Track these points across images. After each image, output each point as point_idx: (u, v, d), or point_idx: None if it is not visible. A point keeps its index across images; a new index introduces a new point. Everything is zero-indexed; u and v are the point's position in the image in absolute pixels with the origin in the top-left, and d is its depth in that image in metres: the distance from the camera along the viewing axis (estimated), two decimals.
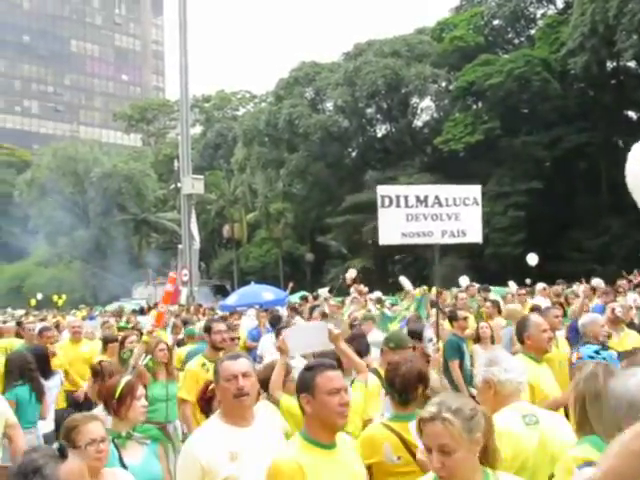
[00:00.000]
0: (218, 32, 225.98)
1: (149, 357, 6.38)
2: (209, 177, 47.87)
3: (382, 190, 7.58)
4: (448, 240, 7.59)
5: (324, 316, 9.35)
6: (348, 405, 3.12)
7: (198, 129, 65.09)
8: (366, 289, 18.54)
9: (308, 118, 44.81)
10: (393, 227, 7.43)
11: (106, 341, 8.58)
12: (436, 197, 7.49)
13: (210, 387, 4.16)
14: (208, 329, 6.37)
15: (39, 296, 46.86)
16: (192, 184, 29.49)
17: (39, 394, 6.71)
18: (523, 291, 12.80)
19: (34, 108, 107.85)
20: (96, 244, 56.28)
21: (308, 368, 3.25)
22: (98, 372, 5.53)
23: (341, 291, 19.56)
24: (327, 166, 46.22)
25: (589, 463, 2.58)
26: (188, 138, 31.06)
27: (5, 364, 6.77)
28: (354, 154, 49.59)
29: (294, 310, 12.85)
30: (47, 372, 7.17)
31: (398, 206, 7.40)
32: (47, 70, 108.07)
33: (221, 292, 38.72)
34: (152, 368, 6.53)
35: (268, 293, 19.71)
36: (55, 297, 44.28)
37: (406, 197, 7.44)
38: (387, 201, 7.43)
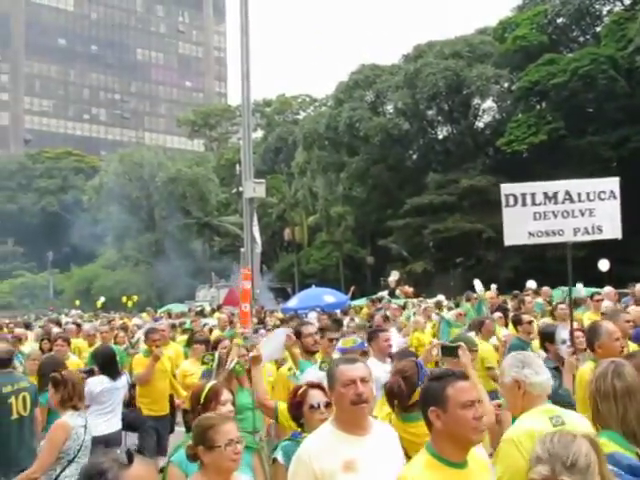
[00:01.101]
0: (279, 37, 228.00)
1: (236, 361, 6.06)
2: (270, 181, 48.20)
3: (506, 189, 7.17)
4: (582, 238, 7.16)
5: (386, 320, 9.36)
6: (482, 419, 2.88)
7: (259, 133, 65.80)
8: (411, 289, 18.47)
9: (368, 121, 44.77)
10: (519, 227, 6.97)
11: (195, 342, 8.81)
12: (567, 193, 7.00)
13: (300, 392, 3.98)
14: (299, 333, 6.23)
15: (102, 299, 48.13)
16: (254, 188, 29.60)
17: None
18: (600, 296, 12.07)
19: (102, 116, 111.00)
20: (161, 247, 57.45)
21: (435, 378, 2.98)
22: (59, 382, 5.43)
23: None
24: (388, 169, 46.07)
25: (611, 455, 2.71)
26: (250, 142, 31.12)
27: (38, 369, 6.88)
28: (415, 156, 49.28)
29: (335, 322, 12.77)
30: (114, 373, 7.35)
31: (524, 205, 6.92)
32: (114, 79, 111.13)
33: (282, 295, 39.03)
34: (240, 373, 6.12)
35: (329, 296, 19.77)
36: (125, 299, 45.22)
37: (533, 195, 6.99)
38: (512, 200, 6.96)
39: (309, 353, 6.11)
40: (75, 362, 8.93)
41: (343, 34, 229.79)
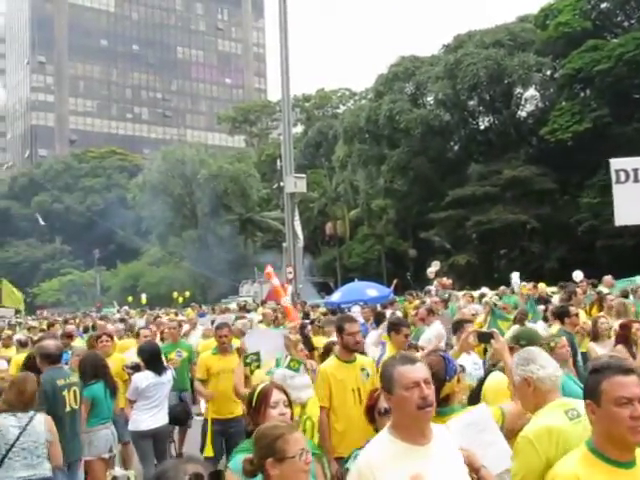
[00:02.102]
0: (317, 31, 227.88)
1: (289, 359, 5.44)
2: (311, 175, 48.36)
3: (616, 164, 6.32)
4: None
5: (430, 312, 9.30)
6: None
7: (299, 128, 65.92)
8: (449, 282, 18.28)
9: (409, 113, 44.48)
10: (632, 205, 6.14)
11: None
12: None
13: (377, 393, 3.71)
14: (341, 329, 5.74)
15: (143, 296, 48.86)
16: (295, 183, 29.81)
17: (113, 391, 7.12)
18: None
19: (144, 114, 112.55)
20: (204, 243, 58.03)
21: (595, 370, 2.81)
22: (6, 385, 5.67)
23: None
24: (429, 161, 45.74)
25: None
26: (290, 138, 31.41)
27: (79, 365, 7.11)
28: (456, 148, 48.82)
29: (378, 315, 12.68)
30: (159, 368, 7.47)
31: (636, 181, 6.26)
32: (155, 77, 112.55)
33: (325, 289, 39.10)
34: (296, 370, 5.48)
35: (372, 290, 19.76)
36: (175, 294, 45.74)
37: None
38: (623, 176, 6.19)
39: (349, 352, 5.69)
40: (120, 358, 9.09)
41: (382, 27, 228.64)
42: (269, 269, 7.73)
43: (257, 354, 6.03)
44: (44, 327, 16.79)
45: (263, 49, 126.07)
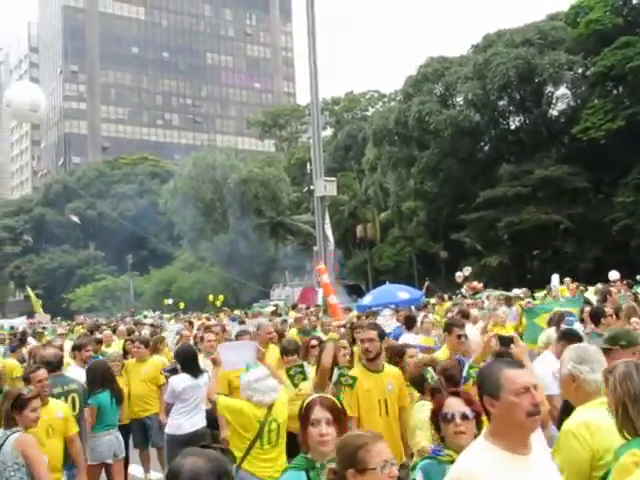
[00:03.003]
0: (345, 34, 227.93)
1: (340, 372, 5.15)
2: (341, 178, 48.36)
3: None
4: None
5: (464, 316, 9.24)
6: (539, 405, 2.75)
7: (329, 131, 66.01)
8: (480, 285, 18.10)
9: (438, 114, 44.26)
10: None
11: (285, 352, 8.38)
12: None
13: (441, 398, 3.60)
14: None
15: (170, 301, 49.33)
16: (325, 186, 29.82)
17: (119, 399, 7.31)
18: None
19: (175, 120, 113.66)
20: (235, 248, 58.31)
21: (488, 367, 2.94)
22: None
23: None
24: (459, 162, 45.46)
25: None
26: (319, 141, 31.43)
27: (87, 373, 7.36)
28: (487, 148, 48.44)
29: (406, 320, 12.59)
30: (195, 371, 7.58)
31: None
32: (185, 83, 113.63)
33: (356, 292, 39.06)
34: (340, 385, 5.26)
35: (403, 292, 19.61)
36: (211, 297, 46.05)
37: None
38: None
39: (371, 361, 5.65)
40: (159, 361, 9.21)
41: (410, 28, 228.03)
42: (321, 265, 7.47)
43: (301, 366, 5.77)
44: (83, 332, 16.96)
45: (291, 53, 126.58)
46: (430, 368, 4.92)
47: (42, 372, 6.15)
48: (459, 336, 6.17)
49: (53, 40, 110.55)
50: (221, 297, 46.04)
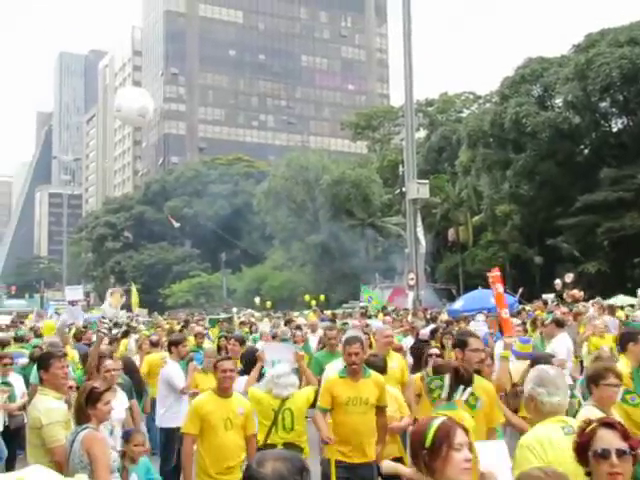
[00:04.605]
0: (441, 34, 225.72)
1: (469, 391, 4.53)
2: (433, 181, 47.90)
3: None
4: None
5: (558, 324, 9.00)
6: None
7: (422, 133, 65.43)
8: (580, 294, 17.45)
9: (535, 116, 43.17)
10: None
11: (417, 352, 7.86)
12: None
13: (590, 429, 3.10)
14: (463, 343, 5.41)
15: (257, 300, 50.06)
16: (417, 188, 29.69)
17: (139, 393, 7.59)
18: None
19: (269, 122, 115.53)
20: (326, 248, 58.67)
21: None
22: None
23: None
24: (557, 165, 44.17)
25: None
26: (413, 143, 31.29)
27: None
28: (586, 151, 46.84)
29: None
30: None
31: None
32: (280, 85, 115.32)
33: (447, 296, 38.59)
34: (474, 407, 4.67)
35: None
36: (307, 297, 46.55)
37: None
38: None
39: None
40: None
41: (508, 28, 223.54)
42: (496, 272, 6.80)
43: (441, 378, 4.83)
44: (175, 327, 17.47)
45: (386, 54, 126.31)
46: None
47: (110, 363, 6.40)
48: None
49: (155, 44, 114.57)
50: (322, 297, 46.41)
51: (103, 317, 6.50)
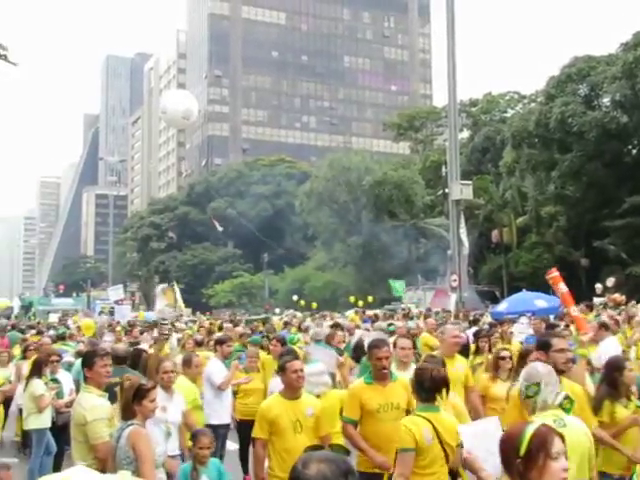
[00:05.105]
0: (485, 33, 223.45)
1: (563, 394, 4.09)
2: (477, 182, 47.45)
3: None
4: None
5: (604, 327, 8.84)
6: None
7: (465, 134, 64.83)
8: (622, 298, 17.08)
9: (582, 116, 42.46)
10: None
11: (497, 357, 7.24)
12: None
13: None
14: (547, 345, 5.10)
15: (297, 299, 50.17)
16: (460, 189, 29.48)
17: None
18: None
19: (312, 123, 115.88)
20: (368, 250, 58.58)
21: None
22: None
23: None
24: (604, 166, 43.36)
25: None
26: (456, 144, 31.06)
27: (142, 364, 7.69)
28: (635, 152, 45.87)
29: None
30: None
31: None
32: (323, 86, 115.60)
33: (490, 298, 38.19)
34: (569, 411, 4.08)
35: (541, 301, 19.00)
36: (353, 299, 46.60)
37: None
38: None
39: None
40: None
41: (553, 27, 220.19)
42: (555, 273, 6.52)
43: (538, 384, 4.16)
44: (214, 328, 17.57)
45: (429, 55, 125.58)
46: None
47: (168, 364, 6.47)
48: None
49: (199, 46, 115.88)
50: (370, 298, 46.40)
51: (163, 319, 6.45)
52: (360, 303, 44.02)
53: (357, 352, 9.64)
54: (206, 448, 5.65)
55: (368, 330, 13.95)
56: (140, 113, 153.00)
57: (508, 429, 3.20)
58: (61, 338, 13.47)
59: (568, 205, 46.90)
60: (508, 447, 2.80)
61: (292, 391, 5.49)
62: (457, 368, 6.83)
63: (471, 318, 16.66)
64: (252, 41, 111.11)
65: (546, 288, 33.56)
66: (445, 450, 4.48)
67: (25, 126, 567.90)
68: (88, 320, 22.67)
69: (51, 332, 16.08)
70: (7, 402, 10.88)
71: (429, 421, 4.47)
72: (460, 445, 4.57)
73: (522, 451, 2.72)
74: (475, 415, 6.37)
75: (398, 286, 41.60)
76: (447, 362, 6.18)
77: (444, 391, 4.64)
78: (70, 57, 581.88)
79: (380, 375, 5.62)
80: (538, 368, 4.13)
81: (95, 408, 5.21)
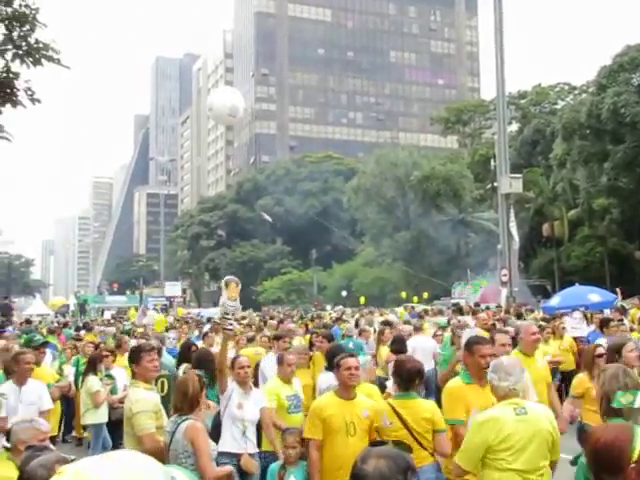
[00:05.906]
0: (533, 24, 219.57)
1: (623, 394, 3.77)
2: (527, 175, 46.74)
3: None
4: None
5: None
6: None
7: (514, 127, 63.93)
8: None
9: (635, 106, 41.46)
10: None
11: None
12: None
13: None
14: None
15: (343, 292, 50.09)
16: (510, 183, 29.13)
17: (213, 381, 7.75)
18: None
19: (358, 119, 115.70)
20: (416, 245, 58.31)
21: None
22: None
23: None
24: None
25: None
26: (505, 137, 30.69)
27: (193, 360, 7.94)
28: None
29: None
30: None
31: None
32: (369, 82, 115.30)
33: (541, 292, 37.65)
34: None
35: (594, 295, 18.67)
36: (404, 294, 46.53)
37: None
38: None
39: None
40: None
41: (605, 15, 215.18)
42: None
43: (634, 393, 3.66)
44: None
45: (476, 47, 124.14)
46: None
47: (244, 359, 6.61)
48: None
49: (246, 45, 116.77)
50: (425, 295, 46.25)
51: (226, 313, 6.47)
52: (415, 299, 43.80)
53: (397, 345, 9.73)
54: (291, 447, 5.57)
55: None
56: (189, 113, 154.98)
57: (603, 434, 2.84)
58: (126, 334, 13.89)
59: (621, 197, 45.89)
60: (613, 452, 2.62)
61: (346, 390, 5.30)
62: (542, 365, 6.66)
63: (511, 311, 16.40)
64: (298, 39, 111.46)
65: (599, 282, 32.99)
66: (413, 434, 5.05)
67: (78, 129, 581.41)
68: (160, 316, 23.28)
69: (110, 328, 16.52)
70: (68, 400, 11.05)
71: (392, 407, 5.14)
72: (438, 431, 5.09)
73: (635, 456, 2.57)
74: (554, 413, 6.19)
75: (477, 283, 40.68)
76: (529, 361, 6.09)
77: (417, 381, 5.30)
78: (121, 60, 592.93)
79: (481, 374, 5.13)
80: (503, 360, 4.57)
81: (139, 401, 5.37)
